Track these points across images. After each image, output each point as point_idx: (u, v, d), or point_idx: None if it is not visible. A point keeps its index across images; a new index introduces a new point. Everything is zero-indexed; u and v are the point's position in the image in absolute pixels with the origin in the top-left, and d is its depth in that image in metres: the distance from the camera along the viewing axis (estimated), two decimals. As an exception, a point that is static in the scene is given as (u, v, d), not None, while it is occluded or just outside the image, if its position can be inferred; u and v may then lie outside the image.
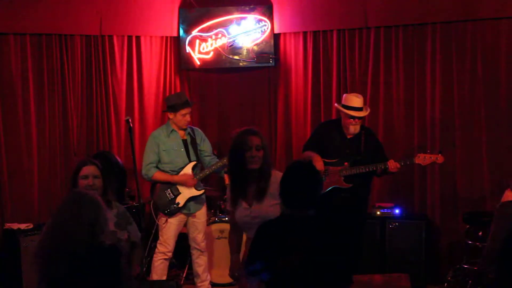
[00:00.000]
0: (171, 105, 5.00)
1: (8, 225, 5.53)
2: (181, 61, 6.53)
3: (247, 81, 6.62)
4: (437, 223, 5.89)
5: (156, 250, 5.03)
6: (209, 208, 5.89)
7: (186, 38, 6.44)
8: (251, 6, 6.40)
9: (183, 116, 4.99)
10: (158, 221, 5.05)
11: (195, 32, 6.44)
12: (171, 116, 5.03)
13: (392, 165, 4.82)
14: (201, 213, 5.11)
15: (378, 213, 5.68)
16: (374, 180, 5.36)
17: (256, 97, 6.64)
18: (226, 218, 5.60)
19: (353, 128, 4.98)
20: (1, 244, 5.55)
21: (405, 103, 6.07)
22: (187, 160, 5.03)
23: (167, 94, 6.50)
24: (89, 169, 3.57)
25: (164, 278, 5.00)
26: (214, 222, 5.61)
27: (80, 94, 6.33)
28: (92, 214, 2.77)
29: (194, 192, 5.03)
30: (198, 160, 5.07)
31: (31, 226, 5.49)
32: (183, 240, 5.29)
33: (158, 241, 5.03)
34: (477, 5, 5.81)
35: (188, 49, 6.45)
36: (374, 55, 6.13)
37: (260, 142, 3.36)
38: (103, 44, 6.37)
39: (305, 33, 6.36)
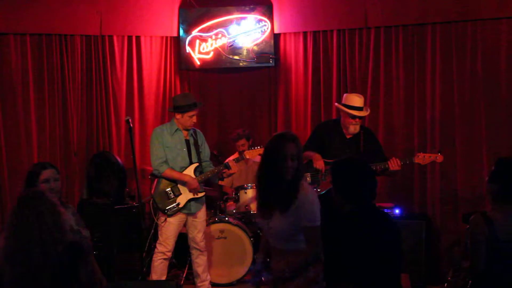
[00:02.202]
0: (178, 106, 4.99)
1: (8, 225, 5.52)
2: (181, 61, 6.52)
3: (247, 81, 6.62)
4: (437, 223, 5.89)
5: (156, 250, 5.02)
6: (209, 208, 5.89)
7: (186, 38, 6.44)
8: (251, 6, 6.40)
9: (190, 118, 4.99)
10: (157, 220, 5.04)
11: (195, 32, 6.44)
12: (178, 116, 5.01)
13: (393, 162, 4.79)
14: (201, 213, 5.11)
15: (378, 213, 5.67)
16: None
17: (256, 97, 6.64)
18: (226, 218, 5.60)
19: (353, 128, 4.97)
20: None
21: (405, 103, 6.07)
22: (187, 160, 5.02)
23: (167, 94, 6.50)
24: (49, 173, 3.52)
25: (164, 278, 4.99)
26: (214, 222, 5.60)
27: (80, 94, 6.33)
28: (52, 215, 2.67)
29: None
30: (200, 162, 5.06)
31: (31, 226, 5.47)
32: (183, 240, 5.28)
33: (158, 241, 5.02)
34: (477, 5, 5.81)
35: (188, 49, 6.45)
36: (374, 55, 6.13)
37: (296, 151, 3.09)
38: (103, 44, 6.37)
39: (305, 33, 6.36)
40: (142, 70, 6.48)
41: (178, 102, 5.02)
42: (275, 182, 3.09)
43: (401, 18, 6.05)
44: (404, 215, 5.68)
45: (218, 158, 5.98)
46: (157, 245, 5.00)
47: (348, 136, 5.02)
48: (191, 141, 5.06)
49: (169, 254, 5.00)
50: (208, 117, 6.67)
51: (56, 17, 6.17)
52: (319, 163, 4.89)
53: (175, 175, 4.96)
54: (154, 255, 5.01)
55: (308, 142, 5.19)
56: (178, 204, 4.94)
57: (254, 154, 5.13)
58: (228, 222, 5.56)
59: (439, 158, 4.91)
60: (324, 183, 4.92)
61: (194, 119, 5.01)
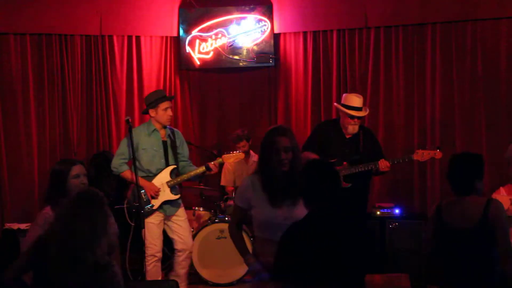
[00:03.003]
0: (150, 102, 4.93)
1: (8, 225, 5.52)
2: (181, 61, 6.52)
3: (247, 81, 6.62)
4: (437, 223, 5.88)
5: (146, 254, 4.86)
6: (209, 208, 5.88)
7: (186, 38, 6.45)
8: (251, 6, 6.40)
9: (164, 111, 4.87)
10: (133, 223, 4.92)
11: (195, 32, 6.44)
12: (152, 114, 4.91)
13: (383, 164, 4.82)
14: (178, 216, 4.95)
15: (378, 213, 5.66)
16: (374, 180, 5.35)
17: (256, 97, 6.64)
18: (226, 218, 5.59)
19: (352, 128, 4.97)
20: (1, 244, 5.55)
21: (405, 103, 6.08)
22: (163, 162, 4.90)
23: (167, 94, 6.49)
24: (79, 168, 3.59)
25: (159, 279, 4.94)
26: (214, 222, 5.60)
27: (80, 94, 6.33)
28: (105, 220, 2.76)
29: (169, 196, 4.88)
30: (177, 164, 4.98)
31: (31, 226, 5.48)
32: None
33: (145, 246, 4.87)
34: (477, 5, 5.82)
35: (188, 49, 6.45)
36: (374, 55, 6.14)
37: (289, 143, 3.20)
38: (103, 44, 6.38)
39: (305, 33, 6.37)
40: (142, 70, 6.49)
41: (149, 99, 4.95)
42: (274, 174, 3.19)
43: (401, 18, 6.06)
44: (404, 215, 5.67)
45: (215, 156, 5.96)
46: (146, 250, 4.83)
47: (347, 136, 5.02)
48: (169, 142, 4.94)
49: (159, 254, 4.87)
50: (208, 117, 6.68)
51: (56, 17, 6.17)
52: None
53: (132, 178, 4.80)
54: (146, 260, 4.87)
55: (308, 142, 5.18)
56: (152, 206, 4.85)
57: (231, 159, 5.11)
58: (228, 222, 5.55)
59: (438, 154, 4.92)
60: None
61: (169, 112, 4.90)
